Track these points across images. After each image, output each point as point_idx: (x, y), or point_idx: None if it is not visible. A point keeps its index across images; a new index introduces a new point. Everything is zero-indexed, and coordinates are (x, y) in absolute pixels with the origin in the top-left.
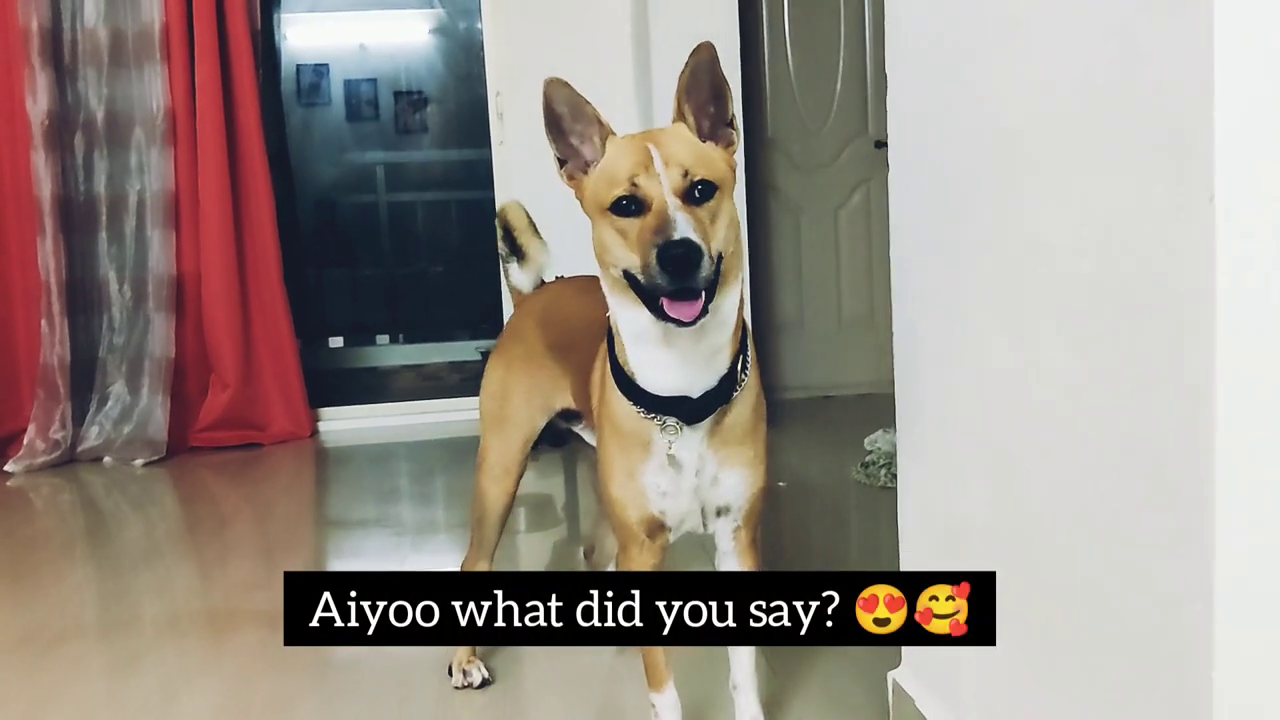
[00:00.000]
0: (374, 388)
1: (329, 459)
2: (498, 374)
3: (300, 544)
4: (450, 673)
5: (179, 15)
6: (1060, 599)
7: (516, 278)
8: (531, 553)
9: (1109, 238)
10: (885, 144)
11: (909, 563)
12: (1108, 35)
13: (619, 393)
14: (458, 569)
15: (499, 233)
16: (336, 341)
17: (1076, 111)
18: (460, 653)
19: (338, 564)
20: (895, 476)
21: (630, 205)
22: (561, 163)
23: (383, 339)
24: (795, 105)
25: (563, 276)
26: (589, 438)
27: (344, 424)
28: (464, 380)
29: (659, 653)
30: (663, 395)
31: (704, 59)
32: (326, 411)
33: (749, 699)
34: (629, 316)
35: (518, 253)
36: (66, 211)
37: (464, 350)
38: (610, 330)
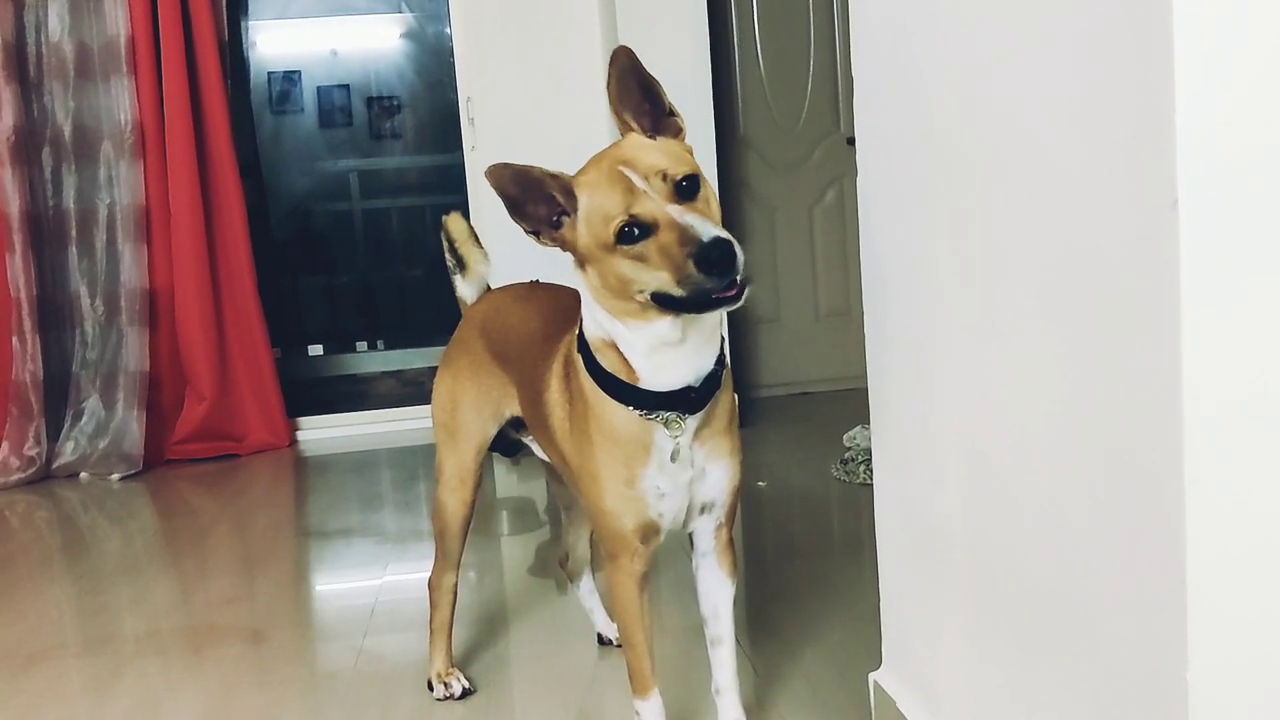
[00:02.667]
0: (355, 395)
1: (308, 468)
2: (445, 385)
3: (280, 555)
4: (430, 687)
5: (145, 27)
6: (1039, 599)
7: (461, 289)
8: (513, 556)
9: (1073, 240)
10: None
11: (887, 562)
12: (1069, 38)
13: (613, 404)
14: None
15: (445, 245)
16: (316, 349)
17: (1038, 114)
18: (438, 665)
19: (319, 574)
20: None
21: (635, 231)
22: (535, 234)
23: (361, 345)
24: (767, 104)
25: (536, 281)
26: (537, 450)
27: (323, 432)
28: None
29: (644, 659)
30: (669, 391)
31: (624, 64)
32: (305, 420)
33: (732, 703)
34: (647, 332)
35: (460, 264)
36: (36, 227)
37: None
38: (582, 346)
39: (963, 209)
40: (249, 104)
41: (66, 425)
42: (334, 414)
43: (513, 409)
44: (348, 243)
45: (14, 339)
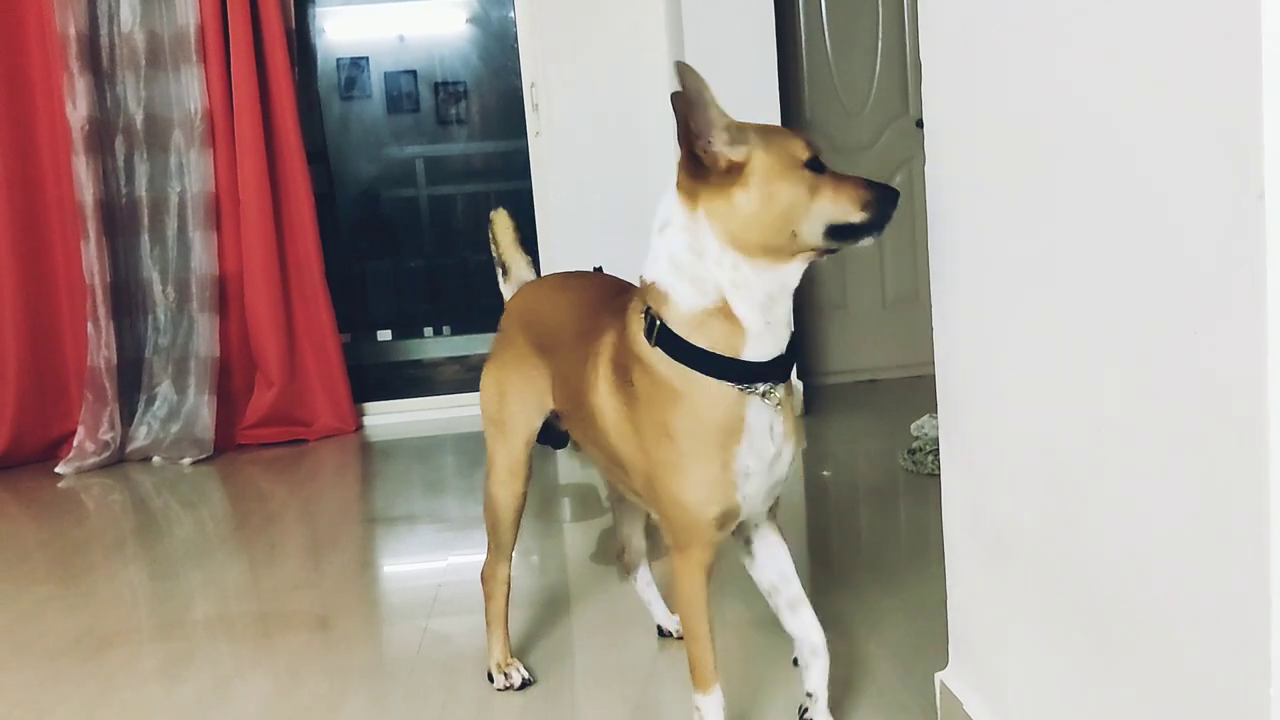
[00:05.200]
0: (421, 380)
1: (374, 453)
2: (492, 378)
3: (346, 540)
4: (490, 677)
5: (214, 16)
6: (1112, 603)
7: (504, 288)
8: (575, 543)
9: (1152, 231)
10: None
11: (954, 559)
12: (1150, 19)
13: (705, 385)
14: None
15: (491, 241)
16: (385, 335)
17: (1116, 99)
18: (497, 655)
19: (383, 560)
20: None
21: (819, 165)
22: (694, 136)
23: (428, 331)
24: (834, 87)
25: (600, 268)
26: None
27: (389, 418)
28: None
29: (707, 652)
30: (765, 360)
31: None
32: (371, 406)
33: (823, 667)
34: (771, 278)
35: (502, 266)
36: (109, 215)
37: None
38: (662, 336)
39: (1036, 196)
40: (317, 90)
41: (140, 410)
42: (400, 399)
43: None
44: (414, 228)
45: (89, 325)
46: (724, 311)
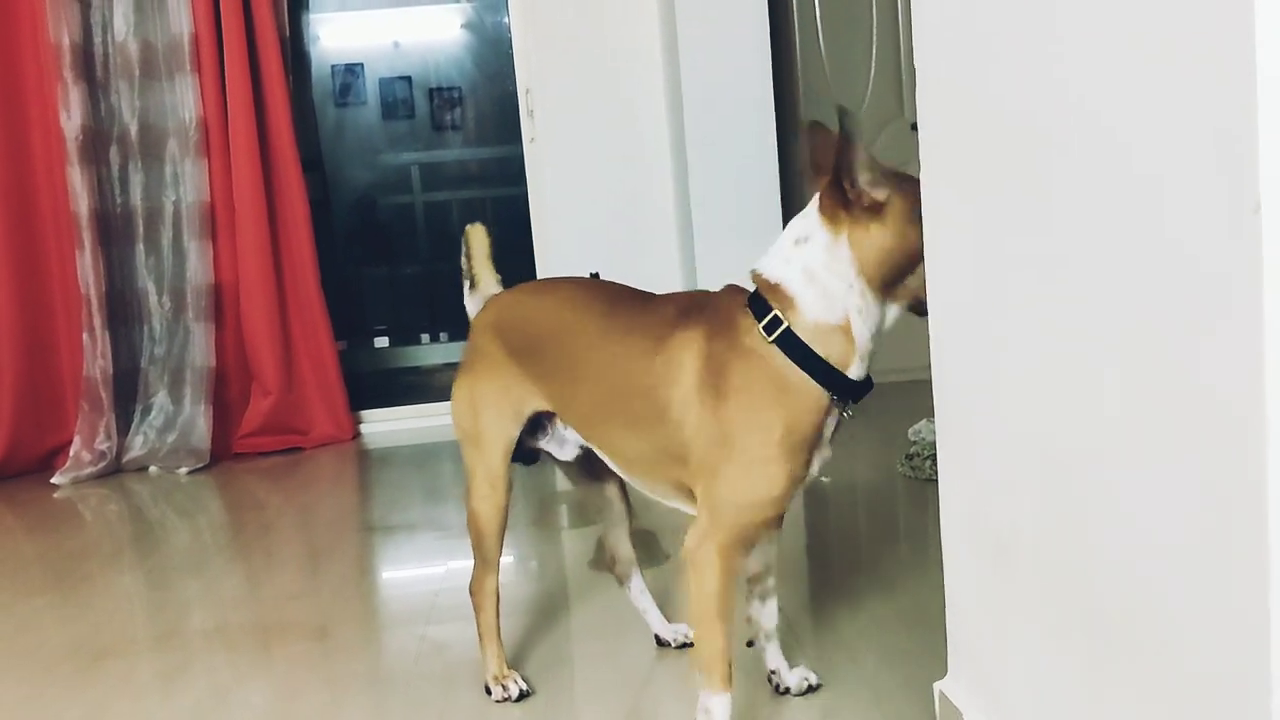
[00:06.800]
0: (417, 387)
1: (371, 461)
2: (464, 392)
3: (343, 549)
4: (488, 690)
5: (208, 25)
6: (1114, 613)
7: (468, 303)
8: (574, 550)
9: (1150, 241)
10: None
11: (953, 568)
12: (1146, 27)
13: (811, 392)
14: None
15: (463, 254)
16: (381, 342)
17: (1112, 108)
18: (493, 667)
19: (382, 569)
20: None
21: None
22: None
23: (424, 338)
24: (829, 90)
25: (597, 274)
26: (558, 453)
27: (386, 425)
28: None
29: (730, 646)
30: (858, 381)
31: None
32: (368, 413)
33: (792, 675)
34: (878, 312)
35: (471, 279)
36: (104, 225)
37: None
38: (784, 338)
39: (1031, 199)
40: (311, 97)
41: (136, 420)
42: (397, 407)
43: (535, 405)
44: (410, 235)
45: (85, 335)
46: (845, 330)
